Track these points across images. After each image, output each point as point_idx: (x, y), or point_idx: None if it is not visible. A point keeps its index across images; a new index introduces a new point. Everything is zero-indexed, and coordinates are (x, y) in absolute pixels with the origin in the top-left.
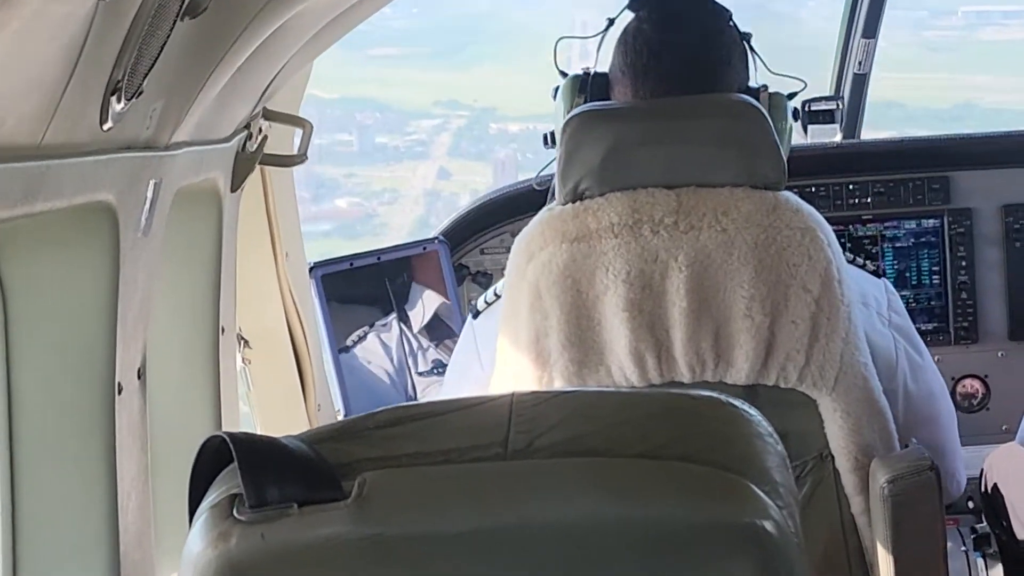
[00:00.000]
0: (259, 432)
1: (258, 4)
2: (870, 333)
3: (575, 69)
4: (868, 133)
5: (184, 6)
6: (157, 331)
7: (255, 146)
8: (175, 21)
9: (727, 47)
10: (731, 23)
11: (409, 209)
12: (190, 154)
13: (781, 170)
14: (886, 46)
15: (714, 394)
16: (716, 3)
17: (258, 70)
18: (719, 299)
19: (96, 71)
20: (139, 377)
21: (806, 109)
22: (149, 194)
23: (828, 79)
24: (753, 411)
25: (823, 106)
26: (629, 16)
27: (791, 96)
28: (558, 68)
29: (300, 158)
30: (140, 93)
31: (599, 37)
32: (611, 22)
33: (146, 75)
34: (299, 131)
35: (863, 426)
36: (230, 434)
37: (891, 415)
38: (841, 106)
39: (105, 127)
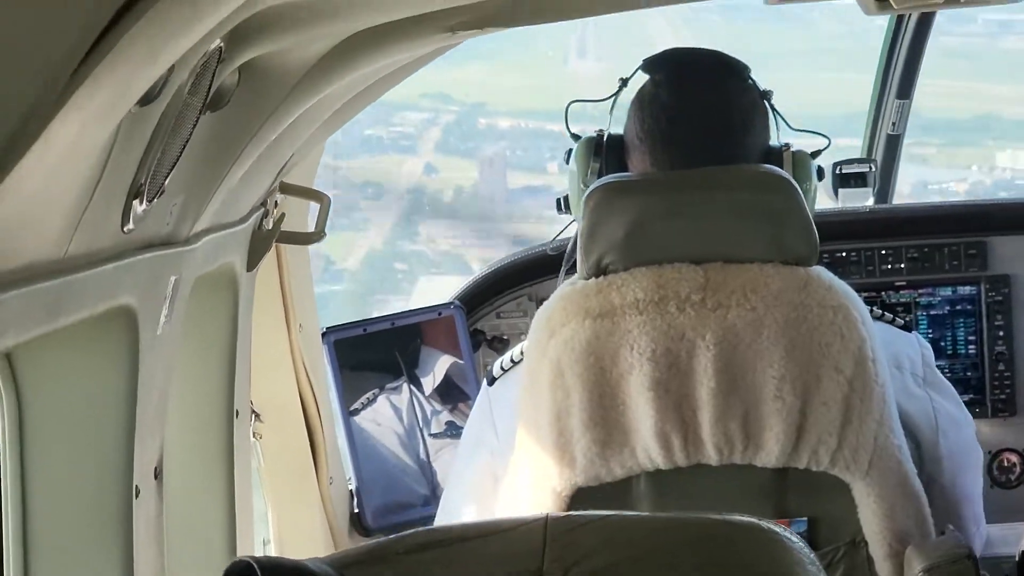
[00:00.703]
0: (269, 510)
1: (280, 95)
2: (905, 401)
3: (572, 65)
4: None
5: (207, 102)
6: (172, 418)
7: (272, 223)
8: (198, 118)
9: (747, 109)
10: (750, 80)
11: (393, 204)
12: (208, 242)
13: (813, 245)
14: None
15: (752, 520)
16: (733, 60)
17: (277, 152)
18: (748, 379)
19: (119, 178)
20: (156, 477)
21: (837, 172)
22: (169, 292)
23: (836, 80)
24: (795, 538)
25: (855, 169)
26: (642, 76)
27: (815, 154)
28: (570, 131)
29: (318, 235)
30: (162, 192)
31: (611, 99)
32: (624, 83)
33: (168, 174)
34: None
35: (897, 511)
36: (256, 559)
37: (926, 499)
38: (874, 168)
39: (126, 229)
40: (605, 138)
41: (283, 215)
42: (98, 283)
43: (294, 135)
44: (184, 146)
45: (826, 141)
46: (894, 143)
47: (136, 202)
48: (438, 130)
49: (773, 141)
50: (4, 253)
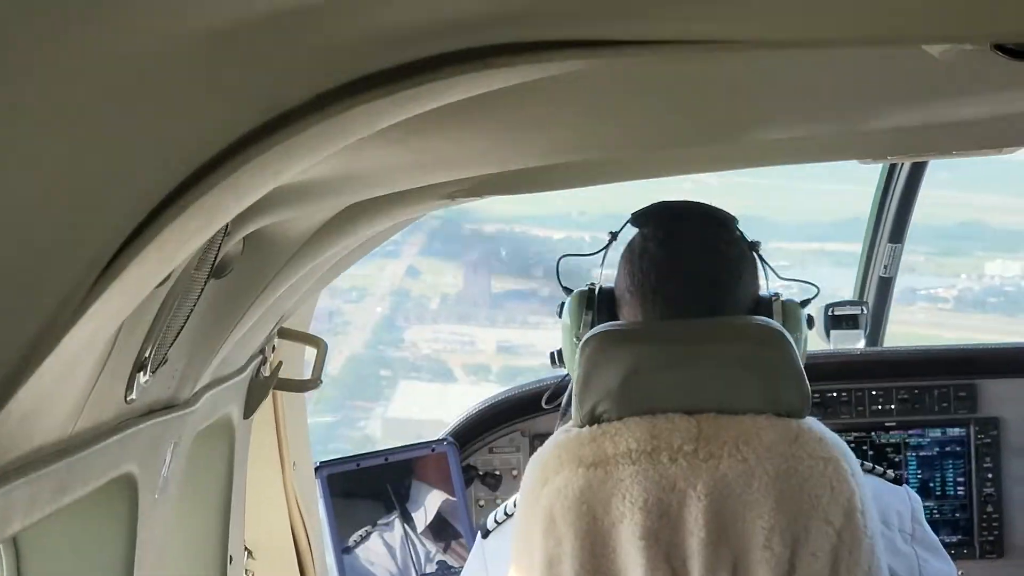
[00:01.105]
0: None
1: (281, 261)
2: (891, 559)
3: None
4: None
5: (211, 272)
6: (167, 566)
7: (269, 371)
8: (203, 289)
9: (735, 260)
10: (738, 232)
11: (374, 307)
12: (208, 399)
13: (805, 397)
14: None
15: None
16: (721, 212)
17: (276, 311)
18: (737, 529)
19: (126, 355)
20: None
21: (830, 313)
22: (168, 456)
23: (827, 191)
24: None
25: (847, 311)
26: (631, 230)
27: (804, 303)
28: (561, 284)
29: (314, 383)
30: (165, 362)
31: (602, 253)
32: (614, 236)
33: (172, 344)
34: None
35: None
36: None
37: None
38: (865, 311)
39: (129, 399)
40: (596, 291)
41: (280, 363)
42: (102, 456)
43: (293, 292)
44: (188, 316)
45: (815, 289)
46: (885, 286)
47: (140, 374)
48: (423, 235)
49: (763, 291)
50: (15, 440)
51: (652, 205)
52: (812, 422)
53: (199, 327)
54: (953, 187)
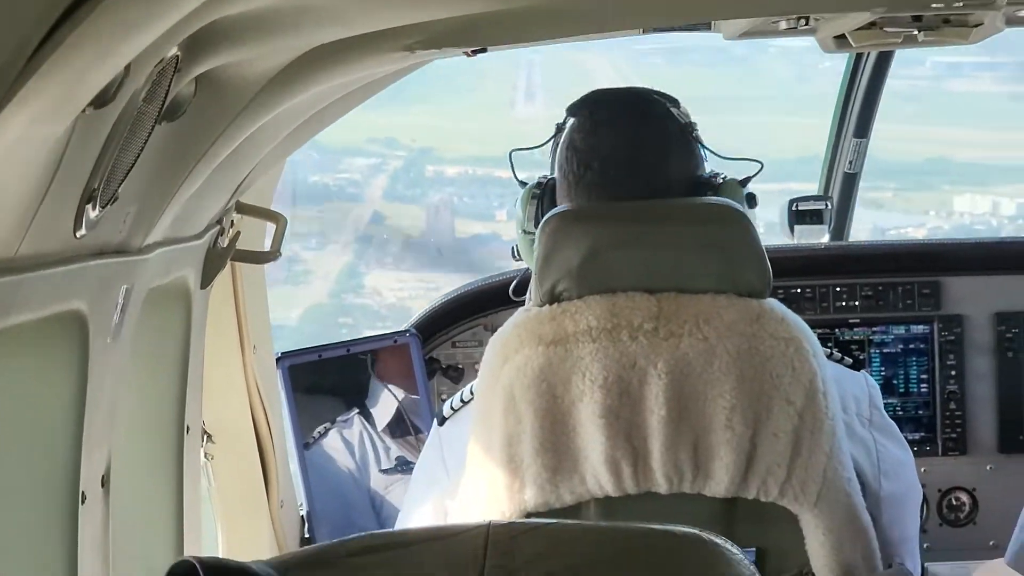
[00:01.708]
0: (219, 529)
1: (236, 107)
2: (849, 443)
3: (520, 110)
4: None
5: (162, 111)
6: (122, 430)
7: (227, 241)
8: (153, 127)
9: (663, 143)
10: (670, 115)
11: (337, 256)
12: (161, 255)
13: (766, 278)
14: None
15: (695, 532)
16: (652, 96)
17: (233, 169)
18: (699, 409)
19: (73, 181)
20: (103, 485)
21: (794, 208)
22: (120, 300)
23: (788, 124)
24: (736, 550)
25: (811, 206)
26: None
27: (745, 182)
28: (517, 179)
29: (273, 255)
30: (115, 199)
31: (549, 143)
32: (559, 128)
33: (122, 181)
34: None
35: (845, 544)
36: (199, 559)
37: (874, 533)
38: (830, 206)
39: (79, 234)
40: (544, 184)
41: (238, 233)
42: (49, 285)
43: (251, 152)
44: (139, 154)
45: (758, 166)
46: (851, 181)
47: (89, 207)
48: (385, 177)
49: (703, 172)
50: None
51: (586, 94)
52: (773, 303)
53: (151, 170)
54: (918, 122)
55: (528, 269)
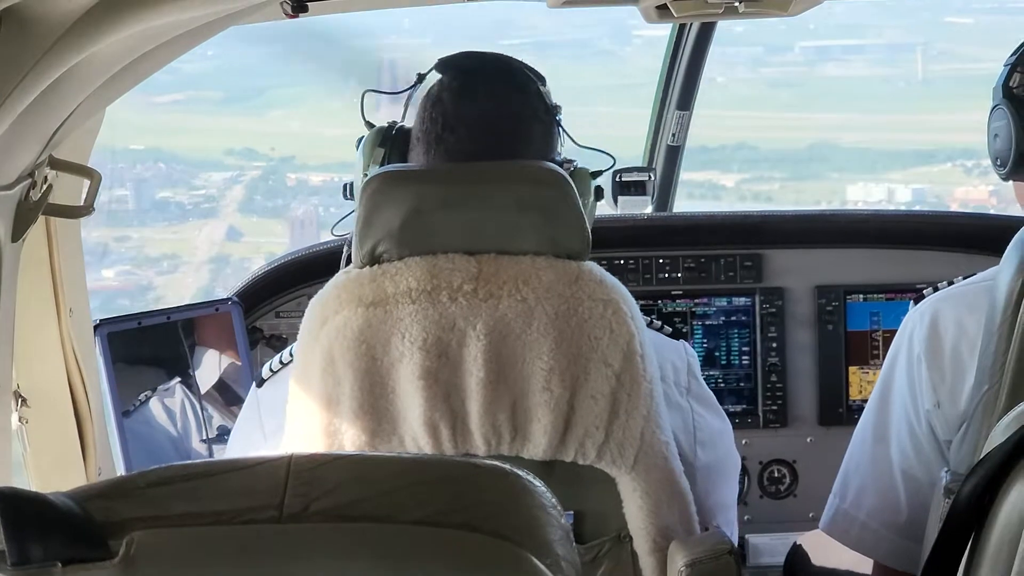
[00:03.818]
0: None
1: (43, 46)
2: (668, 409)
3: (384, 112)
4: (720, 176)
5: None
6: None
7: (39, 195)
8: None
9: (525, 119)
10: (539, 93)
11: (191, 279)
12: None
13: (585, 240)
14: (726, 82)
15: (497, 463)
16: (525, 71)
17: (44, 115)
18: (517, 370)
19: None
20: None
21: (617, 179)
22: None
23: (646, 115)
24: (537, 482)
25: (634, 177)
26: (437, 75)
27: (596, 174)
28: (364, 119)
29: (86, 209)
30: None
31: (408, 92)
32: (420, 78)
33: None
34: (87, 182)
35: (663, 507)
36: None
37: (692, 497)
38: (653, 178)
39: None
40: (395, 130)
41: (50, 187)
42: None
43: (62, 99)
44: None
45: (611, 160)
46: (674, 154)
47: None
48: (243, 188)
49: (556, 156)
50: None
51: (458, 53)
52: (592, 265)
53: None
54: (796, 109)
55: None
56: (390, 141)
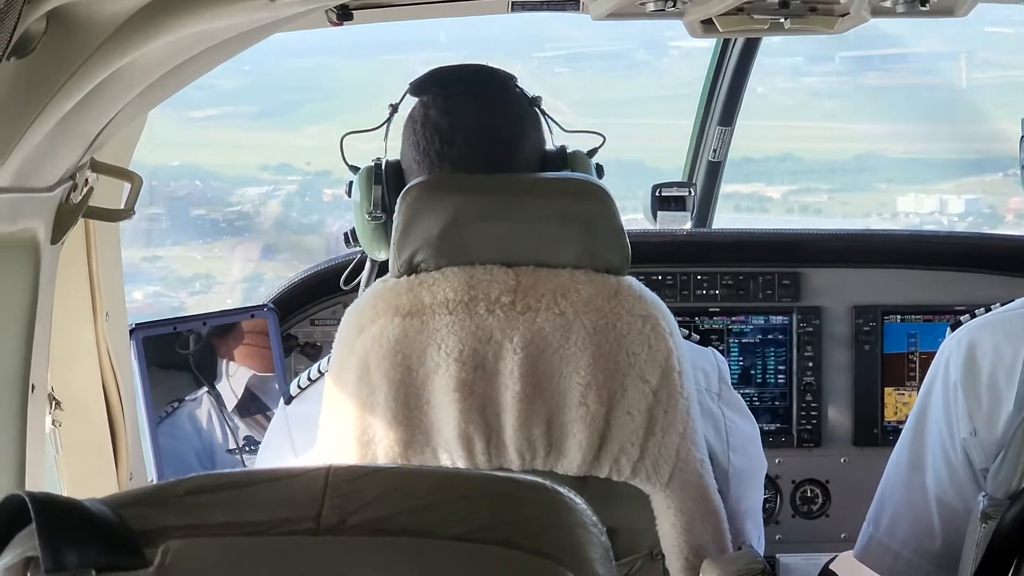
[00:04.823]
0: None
1: (89, 48)
2: (700, 416)
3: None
4: (766, 188)
5: (10, 46)
6: None
7: (79, 197)
8: (0, 60)
9: (518, 117)
10: (518, 89)
11: (224, 299)
12: (9, 200)
13: (624, 255)
14: (767, 92)
15: (538, 480)
16: (498, 72)
17: (87, 118)
18: (554, 385)
19: None
20: None
21: (657, 194)
22: None
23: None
24: (578, 499)
25: (675, 192)
26: (412, 100)
27: (591, 153)
28: (347, 163)
29: (127, 213)
30: None
31: (384, 127)
32: (394, 108)
33: None
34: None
35: (696, 525)
36: (30, 493)
37: (725, 514)
38: (693, 193)
39: None
40: (384, 165)
41: (91, 189)
42: None
43: (105, 102)
44: None
45: (601, 139)
46: (715, 169)
47: None
48: (278, 204)
49: (549, 145)
50: None
51: (428, 72)
52: (632, 280)
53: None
54: (840, 119)
55: (361, 254)
56: (384, 176)
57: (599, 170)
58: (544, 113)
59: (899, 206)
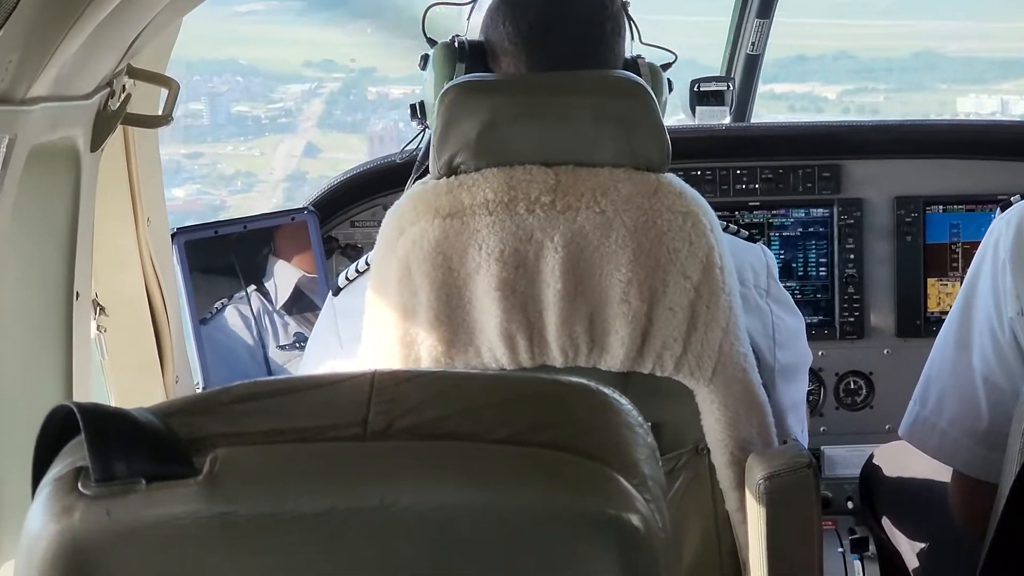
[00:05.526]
0: (113, 403)
1: None
2: (746, 315)
3: (475, 20)
4: (821, 88)
5: None
6: (5, 294)
7: (117, 104)
8: None
9: (616, 16)
10: None
11: (267, 198)
12: (47, 110)
13: (664, 151)
14: None
15: (583, 381)
16: None
17: (123, 24)
18: (595, 282)
19: None
20: None
21: (695, 89)
22: (2, 150)
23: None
24: (624, 400)
25: (713, 87)
26: None
27: (665, 67)
28: (427, 36)
29: (165, 119)
30: None
31: (470, 5)
32: None
33: (2, 24)
34: (165, 91)
35: (741, 419)
36: (78, 404)
37: (770, 409)
38: (732, 87)
39: None
40: (466, 44)
41: (129, 96)
42: None
43: (140, 7)
44: None
45: (673, 56)
46: (753, 63)
47: None
48: (321, 102)
49: (630, 51)
50: None
51: None
52: (671, 177)
53: (35, 14)
54: (895, 16)
55: (423, 129)
56: (467, 56)
57: (670, 85)
58: (631, 19)
59: (959, 106)
